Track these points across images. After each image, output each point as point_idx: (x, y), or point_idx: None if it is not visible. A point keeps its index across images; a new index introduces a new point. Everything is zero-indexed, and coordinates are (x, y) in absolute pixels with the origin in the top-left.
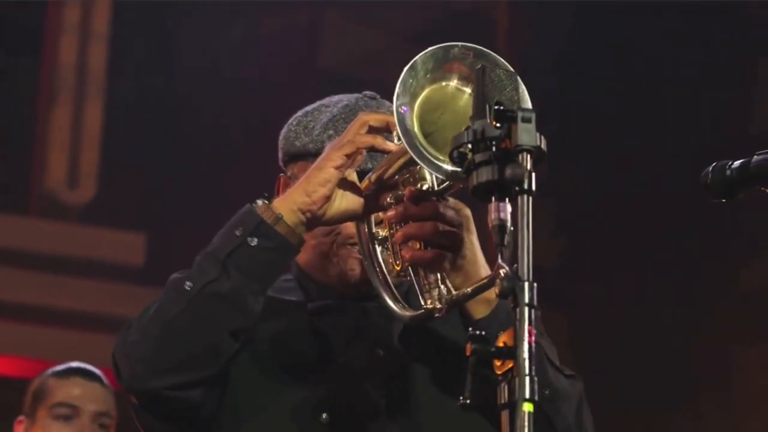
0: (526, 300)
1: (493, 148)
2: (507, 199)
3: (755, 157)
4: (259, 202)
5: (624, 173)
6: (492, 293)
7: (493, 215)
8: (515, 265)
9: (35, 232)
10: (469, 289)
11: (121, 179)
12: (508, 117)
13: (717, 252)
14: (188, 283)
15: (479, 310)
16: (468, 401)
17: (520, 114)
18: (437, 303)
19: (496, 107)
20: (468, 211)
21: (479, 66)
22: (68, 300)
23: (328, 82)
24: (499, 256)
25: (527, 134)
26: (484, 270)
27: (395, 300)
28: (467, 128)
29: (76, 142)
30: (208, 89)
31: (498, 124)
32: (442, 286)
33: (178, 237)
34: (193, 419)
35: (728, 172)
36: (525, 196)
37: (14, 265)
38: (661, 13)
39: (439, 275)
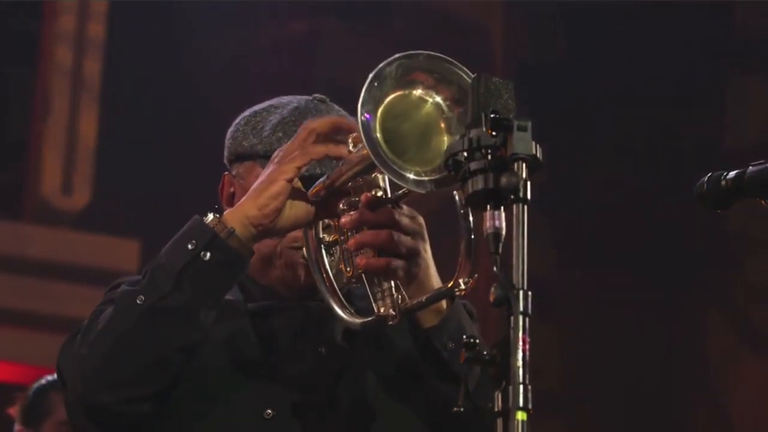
0: (521, 308)
1: (489, 157)
2: (502, 208)
3: (750, 168)
4: (210, 215)
5: (614, 182)
6: (443, 303)
7: (488, 223)
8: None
9: (30, 239)
10: (424, 298)
11: (116, 186)
12: (503, 125)
13: (707, 262)
14: (141, 296)
15: (428, 318)
16: (462, 409)
17: (515, 122)
18: (391, 311)
19: (492, 115)
20: (422, 220)
21: (476, 74)
22: (62, 306)
23: (325, 93)
24: (494, 265)
25: (523, 143)
26: (436, 279)
27: (343, 307)
28: (463, 136)
29: (70, 149)
30: (203, 97)
31: (494, 133)
32: (396, 294)
33: None
34: (139, 427)
35: (723, 182)
36: (520, 205)
37: (8, 270)
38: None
39: (392, 283)
